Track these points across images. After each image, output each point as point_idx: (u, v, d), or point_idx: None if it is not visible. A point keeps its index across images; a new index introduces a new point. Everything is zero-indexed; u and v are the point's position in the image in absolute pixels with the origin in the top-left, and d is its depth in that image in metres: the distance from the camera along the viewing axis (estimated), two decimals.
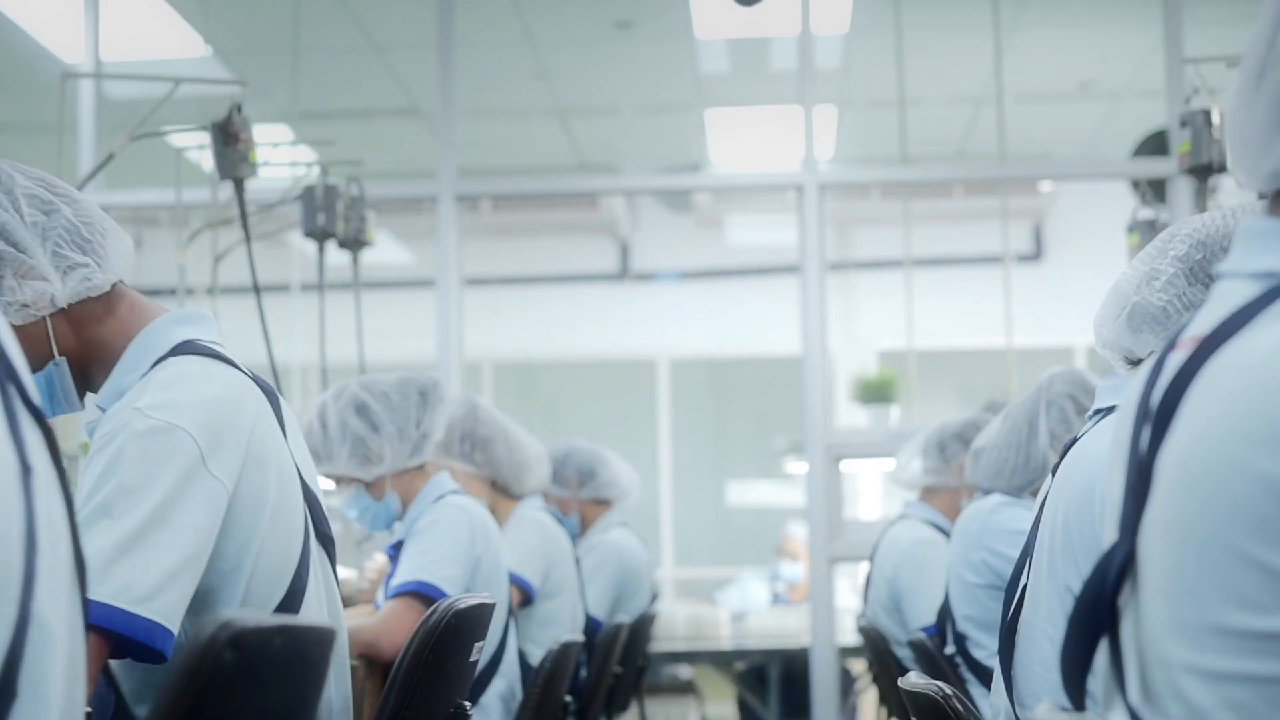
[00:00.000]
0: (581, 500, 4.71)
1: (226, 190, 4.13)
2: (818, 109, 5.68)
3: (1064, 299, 8.76)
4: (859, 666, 6.60)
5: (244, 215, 3.64)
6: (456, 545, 3.00)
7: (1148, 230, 4.46)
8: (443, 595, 2.92)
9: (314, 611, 1.93)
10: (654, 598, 4.82)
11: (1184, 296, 1.86)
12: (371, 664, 2.87)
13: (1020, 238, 9.26)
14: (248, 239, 3.67)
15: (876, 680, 3.82)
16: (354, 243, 4.32)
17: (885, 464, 6.14)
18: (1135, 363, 1.94)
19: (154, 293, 2.33)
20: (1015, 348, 6.79)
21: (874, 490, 8.66)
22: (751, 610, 7.01)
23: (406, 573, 2.96)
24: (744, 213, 9.21)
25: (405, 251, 9.37)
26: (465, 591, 2.98)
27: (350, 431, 3.06)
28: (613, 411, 9.27)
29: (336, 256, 4.49)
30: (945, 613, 3.18)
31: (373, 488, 3.13)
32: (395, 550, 3.10)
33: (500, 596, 3.14)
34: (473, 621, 2.25)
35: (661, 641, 6.19)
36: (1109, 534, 1.06)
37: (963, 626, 3.10)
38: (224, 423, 1.83)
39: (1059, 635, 1.71)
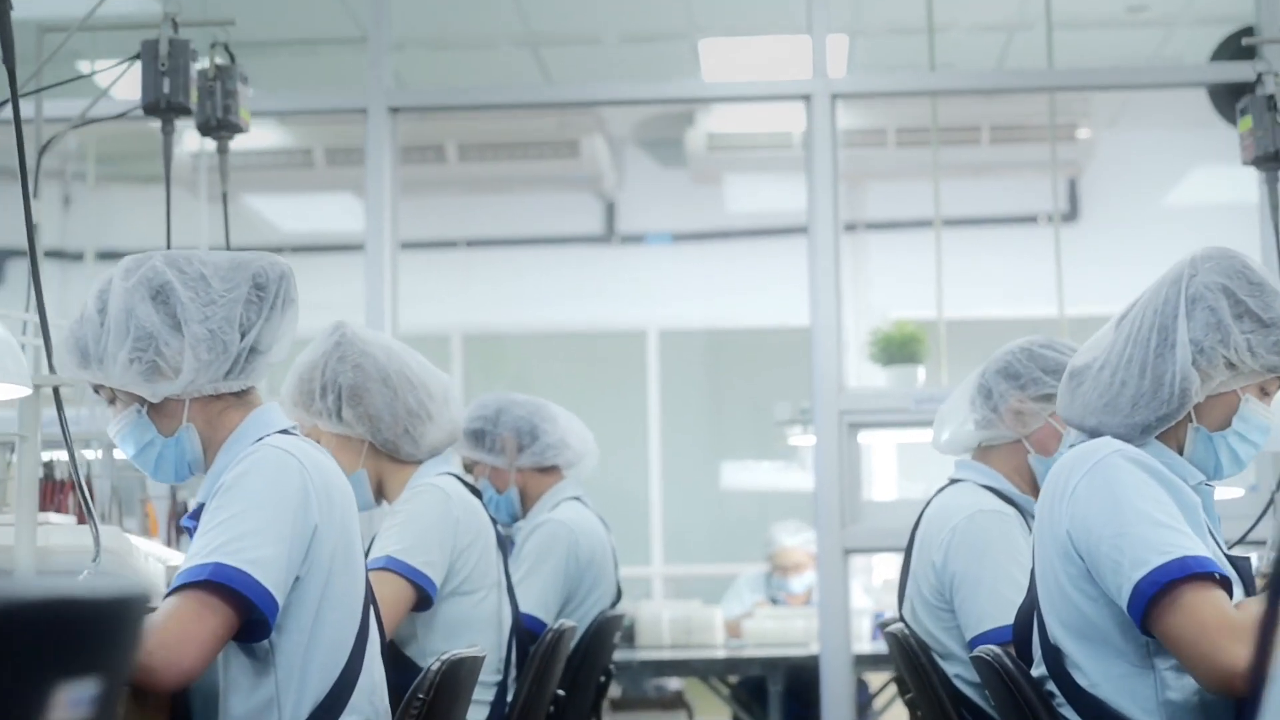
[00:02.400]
0: (522, 469, 3.69)
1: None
2: (830, 38, 4.74)
3: (1103, 264, 7.82)
4: (877, 680, 5.63)
5: None
6: (276, 513, 1.98)
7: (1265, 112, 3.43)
8: (254, 590, 1.90)
9: None
10: (619, 594, 3.77)
11: None
12: (138, 694, 1.86)
13: (1054, 196, 8.33)
14: None
15: (913, 704, 2.79)
16: (220, 127, 3.28)
17: (909, 436, 5.18)
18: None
19: None
20: (1048, 319, 5.94)
21: (889, 470, 7.68)
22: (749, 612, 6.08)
23: (202, 552, 1.95)
24: (744, 169, 8.25)
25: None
26: (283, 587, 1.97)
27: (136, 324, 2.05)
28: (596, 389, 8.40)
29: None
30: (1028, 616, 2.16)
31: (160, 415, 2.12)
32: (194, 519, 2.07)
33: (353, 594, 2.12)
34: None
35: (645, 649, 5.40)
36: None
37: (1059, 637, 2.07)
38: None
39: None
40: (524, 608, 3.31)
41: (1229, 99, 4.80)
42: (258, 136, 7.90)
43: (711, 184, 8.35)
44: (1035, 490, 2.80)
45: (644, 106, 7.92)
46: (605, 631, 3.52)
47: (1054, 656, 2.09)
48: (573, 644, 3.42)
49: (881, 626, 3.37)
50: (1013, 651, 2.20)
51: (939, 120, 8.18)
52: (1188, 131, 8.01)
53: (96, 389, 2.17)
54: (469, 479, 2.96)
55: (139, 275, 2.12)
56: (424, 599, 2.70)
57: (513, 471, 3.68)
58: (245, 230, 8.91)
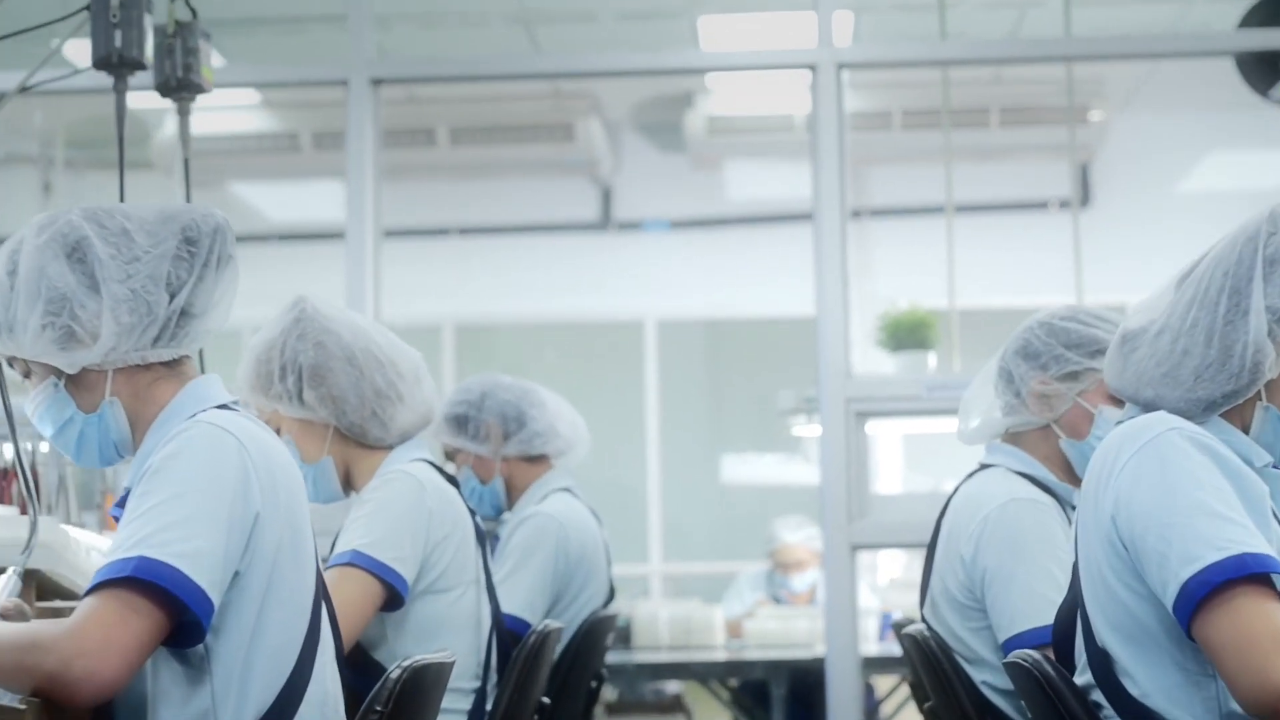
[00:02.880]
0: (508, 458, 3.43)
1: None
2: (837, 14, 4.49)
3: (1115, 253, 7.60)
4: (884, 684, 5.40)
5: None
6: (211, 498, 1.73)
7: None
8: (186, 588, 1.65)
9: None
10: (612, 593, 3.51)
11: None
12: (53, 709, 1.62)
13: (1065, 179, 7.99)
14: None
15: (933, 712, 2.53)
16: (180, 87, 3.02)
17: (918, 426, 4.93)
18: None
19: None
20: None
21: (895, 462, 7.44)
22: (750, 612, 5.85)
23: (125, 545, 1.69)
24: (745, 154, 8.06)
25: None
26: (220, 584, 1.71)
27: (49, 285, 1.81)
28: (593, 381, 8.15)
29: None
30: (1070, 616, 1.90)
31: (80, 388, 1.87)
32: (121, 507, 1.82)
33: (302, 591, 1.86)
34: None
35: (642, 650, 5.19)
36: None
37: (1106, 640, 1.82)
38: None
39: None
40: (507, 607, 3.06)
41: (1260, 69, 4.55)
42: (242, 120, 7.72)
43: (711, 169, 8.13)
44: (1072, 478, 2.54)
45: (641, 89, 7.78)
46: (597, 633, 3.26)
47: (1101, 662, 1.83)
48: (560, 647, 3.17)
49: (897, 628, 3.11)
50: (1052, 656, 1.94)
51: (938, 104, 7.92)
52: (1204, 114, 7.81)
53: (10, 362, 1.91)
54: (445, 466, 2.70)
55: (52, 231, 1.86)
56: (394, 598, 2.45)
57: (498, 460, 3.42)
58: (232, 219, 8.74)
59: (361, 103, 4.51)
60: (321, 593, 1.91)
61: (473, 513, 2.66)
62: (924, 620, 2.57)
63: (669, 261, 8.24)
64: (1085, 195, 8.20)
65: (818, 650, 5.00)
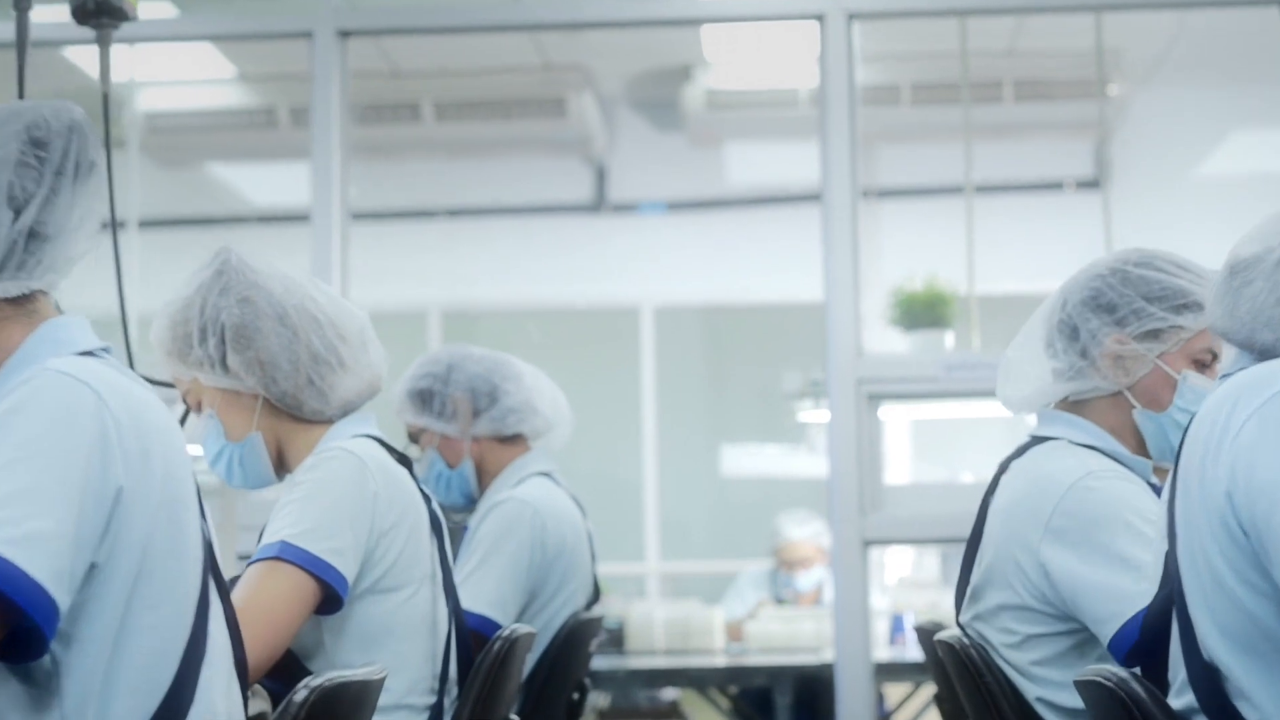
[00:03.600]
0: (478, 439, 3.04)
1: None
2: None
3: (1133, 236, 7.30)
4: (896, 692, 5.04)
5: None
6: (58, 469, 1.34)
7: None
8: (22, 587, 1.26)
9: None
10: (597, 592, 3.10)
11: None
12: None
13: (1079, 158, 7.79)
14: None
15: None
16: (99, 13, 2.63)
17: (934, 411, 4.57)
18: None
19: None
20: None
21: (903, 451, 7.07)
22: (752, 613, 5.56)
23: None
24: (747, 132, 7.76)
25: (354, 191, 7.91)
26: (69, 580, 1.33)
27: None
28: (586, 370, 7.83)
29: None
30: (1162, 621, 1.51)
31: None
32: None
33: (183, 587, 1.47)
34: None
35: (636, 655, 4.91)
36: None
37: (1215, 651, 1.42)
38: None
39: None
40: (473, 606, 2.68)
41: None
42: (215, 95, 7.39)
43: (711, 148, 7.82)
44: (1145, 456, 2.15)
45: (636, 62, 7.45)
46: (578, 637, 2.86)
47: (1207, 680, 1.44)
48: (536, 653, 2.78)
49: (922, 633, 2.72)
50: (1139, 672, 1.54)
51: (953, 78, 7.54)
52: (1230, 89, 7.48)
53: None
54: (397, 445, 2.31)
55: None
56: (331, 598, 2.05)
57: (467, 441, 3.03)
58: (208, 201, 8.38)
59: (328, 57, 4.14)
60: (211, 591, 1.52)
61: (427, 498, 2.26)
62: (961, 626, 2.16)
63: (666, 245, 7.98)
64: (1103, 175, 7.84)
65: (825, 655, 4.66)
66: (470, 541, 2.85)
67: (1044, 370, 2.20)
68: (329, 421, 2.23)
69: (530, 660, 2.80)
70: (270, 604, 1.95)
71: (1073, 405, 2.19)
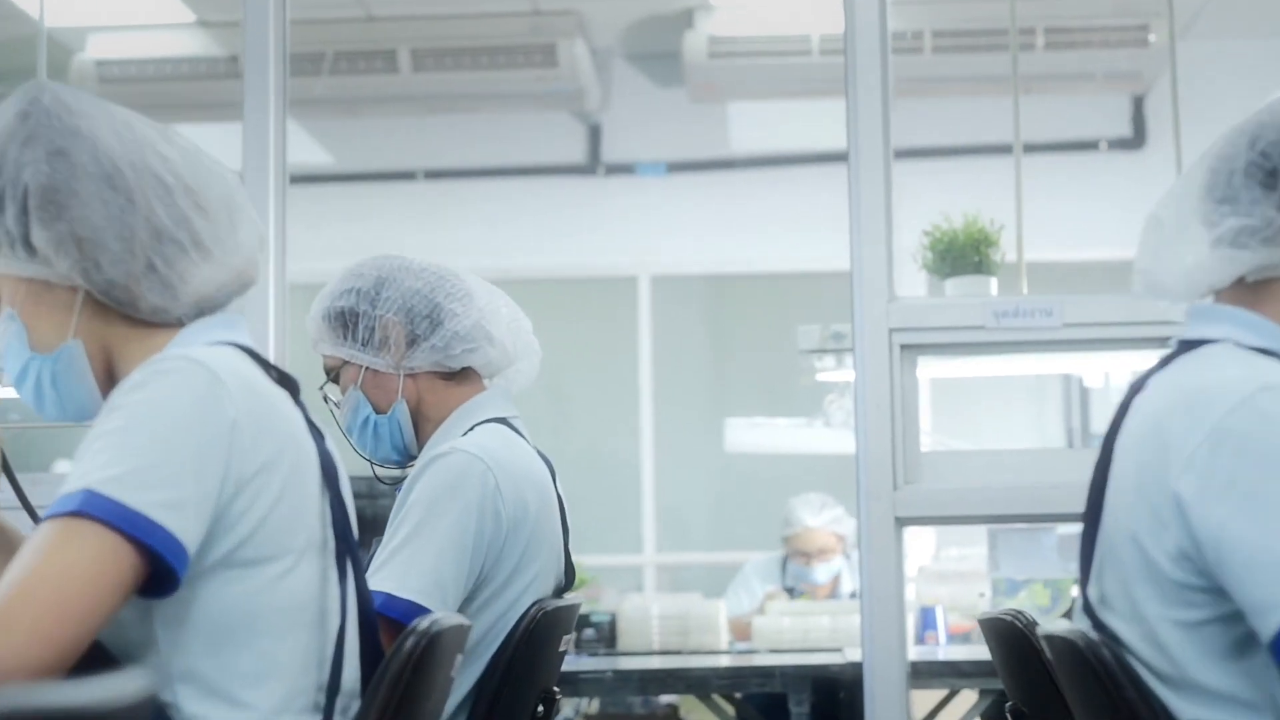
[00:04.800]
0: (416, 374, 2.39)
1: None
2: None
3: None
4: (925, 700, 4.48)
5: None
6: None
7: None
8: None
9: None
10: (571, 576, 2.44)
11: None
12: None
13: (1115, 117, 7.46)
14: None
15: None
16: None
17: (977, 368, 3.99)
18: None
19: None
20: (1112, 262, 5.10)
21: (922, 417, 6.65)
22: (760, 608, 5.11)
23: None
24: (753, 85, 7.37)
25: (323, 151, 7.55)
26: None
27: None
28: (579, 343, 7.54)
29: None
30: None
31: None
32: None
33: None
34: None
35: (629, 656, 4.46)
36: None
37: None
38: None
39: None
40: (400, 591, 2.06)
41: None
42: (171, 42, 6.89)
43: (714, 103, 7.42)
44: None
45: (633, 7, 7.04)
46: (545, 634, 2.21)
47: None
48: (492, 651, 2.15)
49: (993, 624, 2.10)
50: None
51: (982, 23, 7.04)
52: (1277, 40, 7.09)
53: None
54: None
55: None
56: (162, 573, 1.41)
57: (401, 377, 2.38)
58: None
59: None
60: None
61: (318, 434, 1.62)
62: (1088, 610, 1.51)
63: (665, 209, 7.67)
64: (1139, 133, 7.52)
65: (849, 654, 4.07)
66: (400, 507, 2.20)
67: (1200, 246, 1.56)
68: (178, 325, 1.59)
69: (479, 663, 2.17)
70: (62, 578, 1.32)
71: (1248, 292, 1.55)
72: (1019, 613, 2.04)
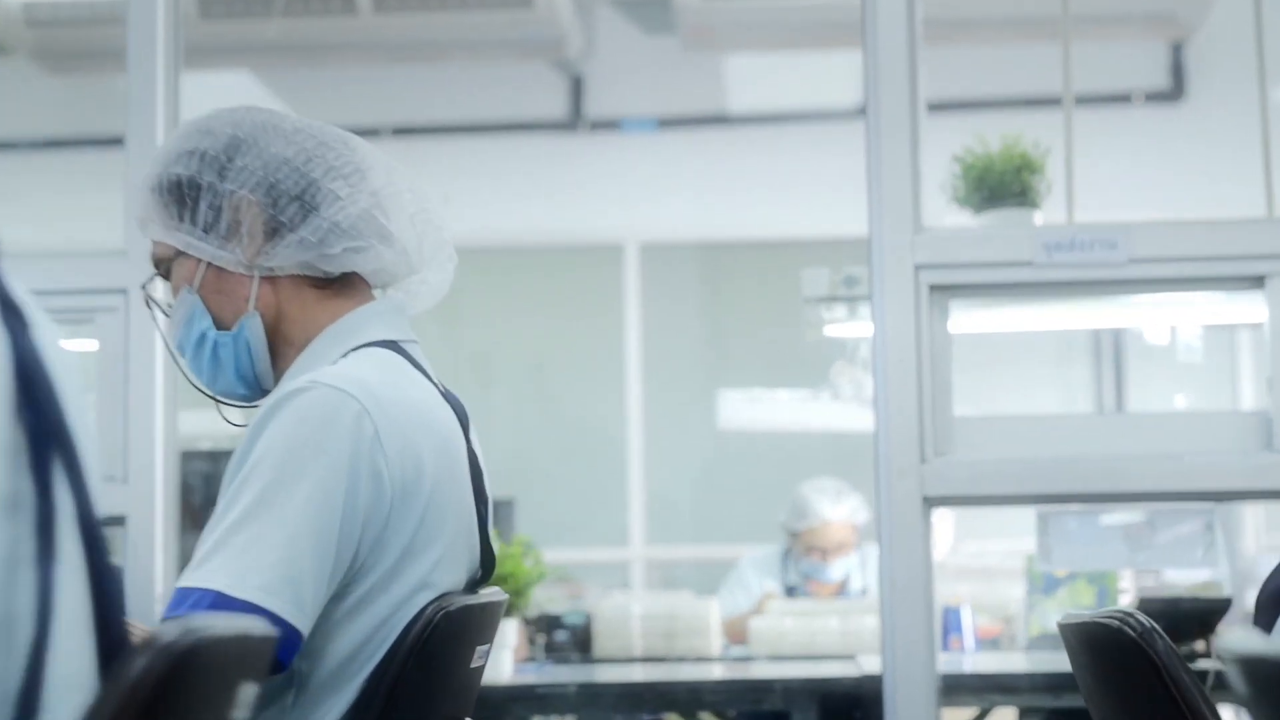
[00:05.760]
0: (275, 276, 1.75)
1: None
2: None
3: (1213, 158, 6.68)
4: (953, 719, 4.03)
5: None
6: None
7: None
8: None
9: None
10: (490, 562, 1.80)
11: None
12: None
13: (1152, 67, 7.28)
14: None
15: None
16: None
17: (1020, 319, 3.43)
18: None
19: None
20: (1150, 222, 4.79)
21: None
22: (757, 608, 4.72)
23: None
24: (749, 34, 7.22)
25: (277, 103, 7.32)
26: None
27: None
28: (560, 316, 7.49)
29: None
30: None
31: None
32: None
33: None
34: None
35: (607, 664, 4.14)
36: None
37: None
38: None
39: None
40: (230, 587, 1.47)
41: None
42: None
43: (709, 52, 7.25)
44: None
45: None
46: (451, 641, 1.57)
47: None
48: (370, 669, 1.54)
49: (1084, 632, 1.50)
50: None
51: None
52: None
53: None
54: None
55: None
56: None
57: (255, 280, 1.73)
58: (115, 118, 7.75)
59: None
60: None
61: (17, 347, 0.99)
62: None
63: (654, 169, 7.50)
64: (1178, 85, 7.33)
65: (864, 664, 3.57)
66: (236, 466, 1.56)
67: None
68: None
69: (351, 687, 1.55)
70: None
71: None
72: (1128, 614, 1.47)
